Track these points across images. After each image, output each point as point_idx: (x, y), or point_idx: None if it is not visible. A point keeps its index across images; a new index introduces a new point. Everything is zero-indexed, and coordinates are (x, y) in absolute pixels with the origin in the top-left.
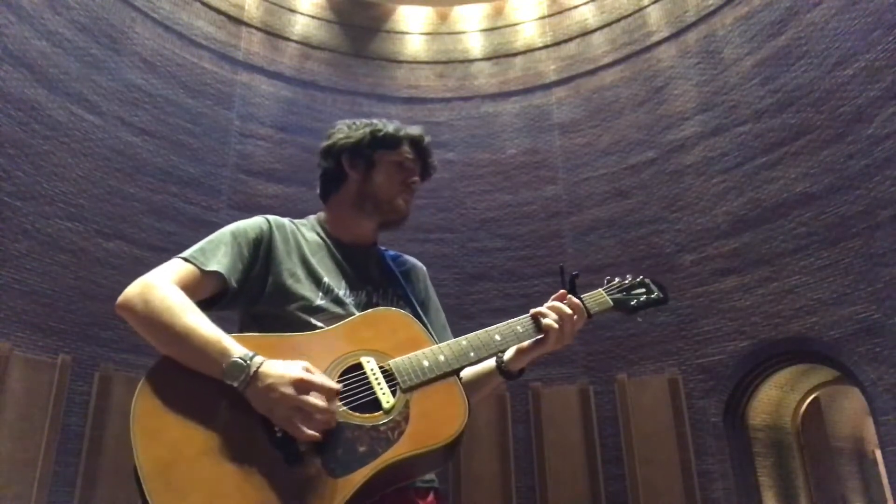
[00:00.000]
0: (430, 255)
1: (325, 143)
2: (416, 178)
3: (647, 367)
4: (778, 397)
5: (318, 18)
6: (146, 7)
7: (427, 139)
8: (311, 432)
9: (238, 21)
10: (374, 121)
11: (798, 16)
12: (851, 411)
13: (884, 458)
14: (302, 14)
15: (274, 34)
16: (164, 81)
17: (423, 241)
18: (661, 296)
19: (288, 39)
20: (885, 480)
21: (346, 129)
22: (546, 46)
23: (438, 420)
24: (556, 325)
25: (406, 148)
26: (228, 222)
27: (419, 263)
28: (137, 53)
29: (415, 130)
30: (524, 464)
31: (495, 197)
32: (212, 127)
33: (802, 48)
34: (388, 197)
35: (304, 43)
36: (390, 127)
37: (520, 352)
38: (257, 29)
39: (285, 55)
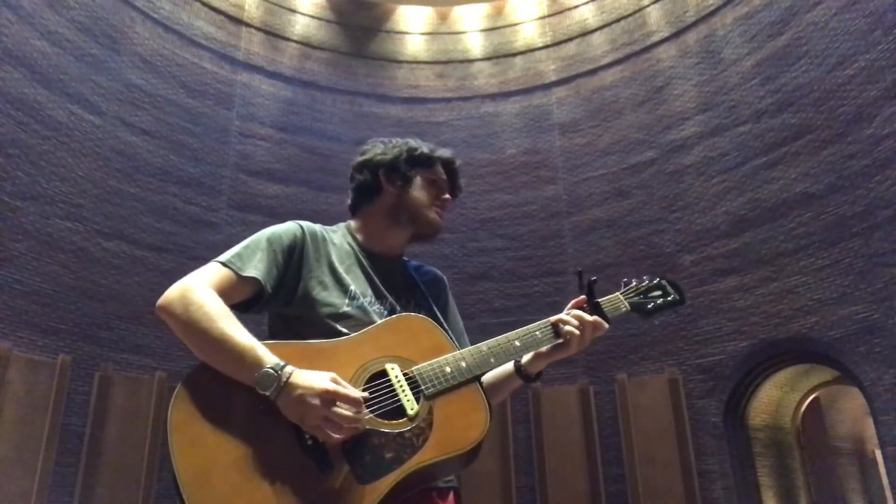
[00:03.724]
0: (430, 255)
1: (360, 158)
2: (448, 196)
3: (647, 367)
4: (778, 397)
5: (318, 18)
6: (146, 7)
7: (458, 162)
8: (339, 436)
9: (238, 21)
10: (409, 140)
11: (798, 16)
12: (851, 411)
13: (884, 458)
14: (302, 14)
15: (274, 34)
16: (164, 81)
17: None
18: (678, 297)
19: (288, 39)
20: (885, 480)
21: (382, 147)
22: (546, 46)
23: (461, 426)
24: (577, 332)
25: (439, 168)
26: (228, 222)
27: (440, 273)
28: (137, 53)
29: (447, 153)
30: (524, 464)
31: (495, 197)
32: (212, 127)
33: (802, 48)
34: (423, 210)
35: (304, 43)
36: (425, 147)
37: (538, 355)
38: (257, 29)
39: (285, 55)
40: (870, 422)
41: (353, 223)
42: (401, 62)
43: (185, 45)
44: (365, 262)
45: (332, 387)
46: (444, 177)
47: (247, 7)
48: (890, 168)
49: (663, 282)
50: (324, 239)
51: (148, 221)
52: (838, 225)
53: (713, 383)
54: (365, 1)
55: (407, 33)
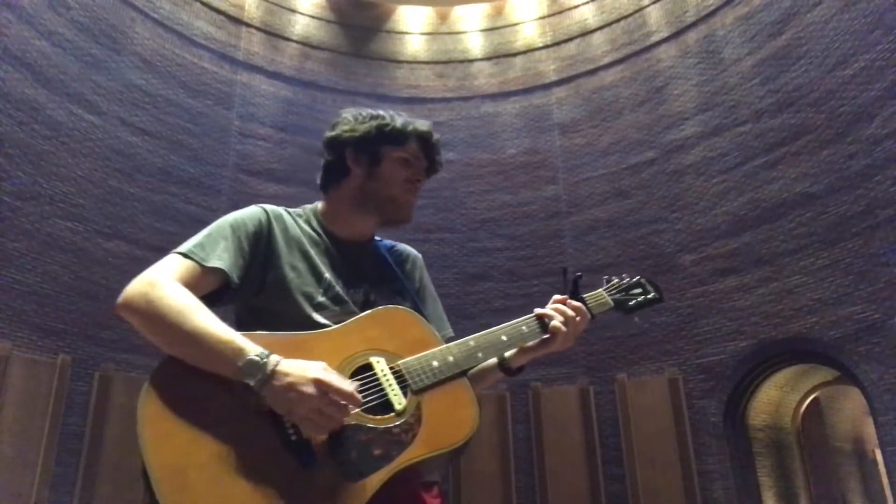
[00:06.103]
0: (430, 255)
1: (328, 134)
2: (421, 178)
3: (647, 367)
4: (778, 397)
5: (318, 18)
6: (146, 7)
7: (436, 136)
8: (328, 430)
9: (238, 21)
10: (381, 113)
11: (798, 16)
12: (851, 411)
13: (884, 458)
14: (302, 14)
15: (274, 34)
16: (164, 81)
17: (423, 241)
18: (658, 295)
19: (288, 39)
20: (885, 480)
21: (352, 121)
22: (546, 46)
23: (450, 422)
24: (563, 328)
25: (413, 145)
26: None
27: (415, 252)
28: (137, 53)
29: (423, 126)
30: (524, 464)
31: (495, 197)
32: (212, 127)
33: (802, 48)
34: (391, 195)
35: (304, 43)
36: (398, 121)
37: (522, 350)
38: (257, 29)
39: (285, 55)
40: (870, 422)
41: (319, 206)
42: (401, 62)
43: (185, 45)
44: (332, 249)
45: (325, 376)
46: (420, 154)
47: (247, 7)
48: (890, 168)
49: (643, 280)
50: (291, 223)
51: (148, 221)
52: (838, 225)
53: (713, 383)
54: (365, 1)
55: (407, 33)
